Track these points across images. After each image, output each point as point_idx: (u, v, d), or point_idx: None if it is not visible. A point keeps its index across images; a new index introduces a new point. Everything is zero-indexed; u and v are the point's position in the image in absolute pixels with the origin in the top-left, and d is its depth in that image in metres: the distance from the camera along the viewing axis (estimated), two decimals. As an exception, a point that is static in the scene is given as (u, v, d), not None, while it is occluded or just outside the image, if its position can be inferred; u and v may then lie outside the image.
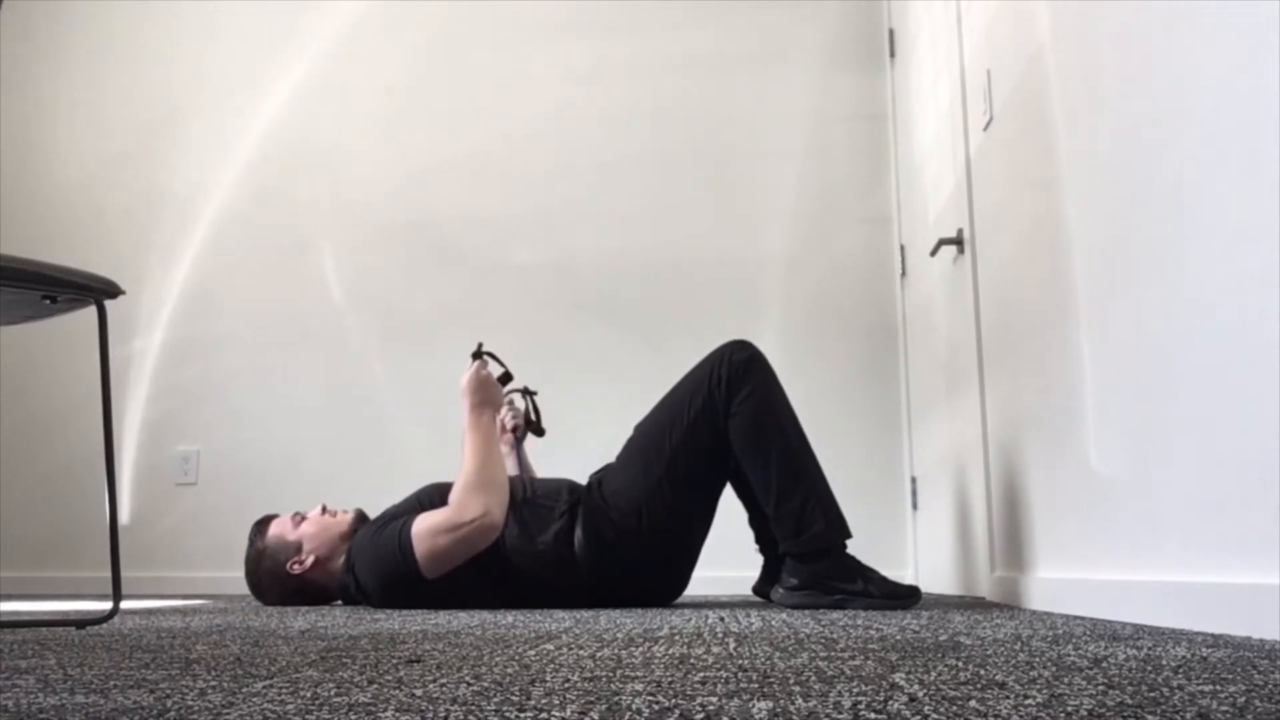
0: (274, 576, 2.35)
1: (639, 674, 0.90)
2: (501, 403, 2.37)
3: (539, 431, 2.54)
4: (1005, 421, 2.30)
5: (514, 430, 2.53)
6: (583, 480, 2.36)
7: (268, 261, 3.97)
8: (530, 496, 2.27)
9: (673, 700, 0.74)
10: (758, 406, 2.16)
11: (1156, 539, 1.51)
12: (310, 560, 2.33)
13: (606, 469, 2.33)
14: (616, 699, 0.75)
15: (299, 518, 2.39)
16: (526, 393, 2.52)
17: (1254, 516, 1.22)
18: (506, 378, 2.39)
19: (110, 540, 1.73)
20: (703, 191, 3.81)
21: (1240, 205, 1.25)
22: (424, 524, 2.15)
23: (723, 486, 2.29)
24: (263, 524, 2.41)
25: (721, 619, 1.73)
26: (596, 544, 2.20)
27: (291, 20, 4.12)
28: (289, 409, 3.85)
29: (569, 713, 0.69)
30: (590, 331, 3.74)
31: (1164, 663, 0.95)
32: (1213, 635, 1.24)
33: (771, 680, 0.85)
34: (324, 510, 2.40)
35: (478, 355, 2.35)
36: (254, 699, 0.77)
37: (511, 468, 2.50)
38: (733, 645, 1.19)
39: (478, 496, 2.15)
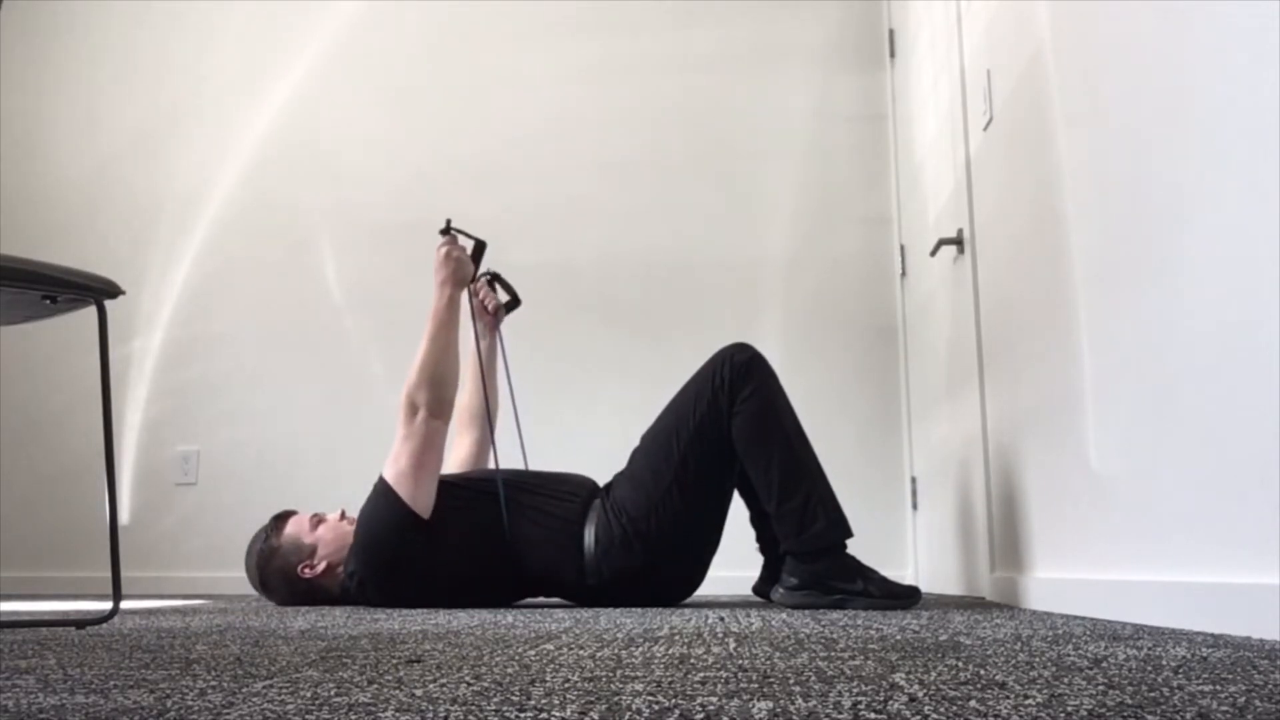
0: (283, 576, 2.34)
1: (639, 674, 0.90)
2: (469, 276, 2.36)
3: (514, 304, 2.53)
4: (1005, 421, 2.30)
5: (495, 312, 2.53)
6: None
7: (268, 261, 3.97)
8: (546, 492, 2.28)
9: (673, 700, 0.74)
10: (759, 406, 2.16)
11: (1156, 539, 1.51)
12: (322, 566, 2.32)
13: (617, 476, 2.33)
14: (616, 699, 0.75)
15: (317, 519, 2.37)
16: (492, 275, 2.51)
17: (1254, 516, 1.22)
18: (481, 246, 2.38)
19: (110, 540, 1.73)
20: (703, 191, 3.81)
21: (1240, 205, 1.25)
22: (387, 463, 2.22)
23: (732, 489, 2.29)
24: (280, 520, 2.39)
25: (721, 619, 1.73)
26: (606, 547, 2.20)
27: (291, 20, 4.12)
28: (289, 409, 3.85)
29: (569, 713, 0.69)
30: (590, 331, 3.74)
31: (1164, 663, 0.95)
32: (1213, 635, 1.24)
33: (771, 680, 0.85)
34: (343, 516, 2.39)
35: (446, 231, 2.33)
36: (254, 699, 0.77)
37: (487, 347, 2.52)
38: (733, 645, 1.19)
39: (417, 394, 2.21)
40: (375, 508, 2.22)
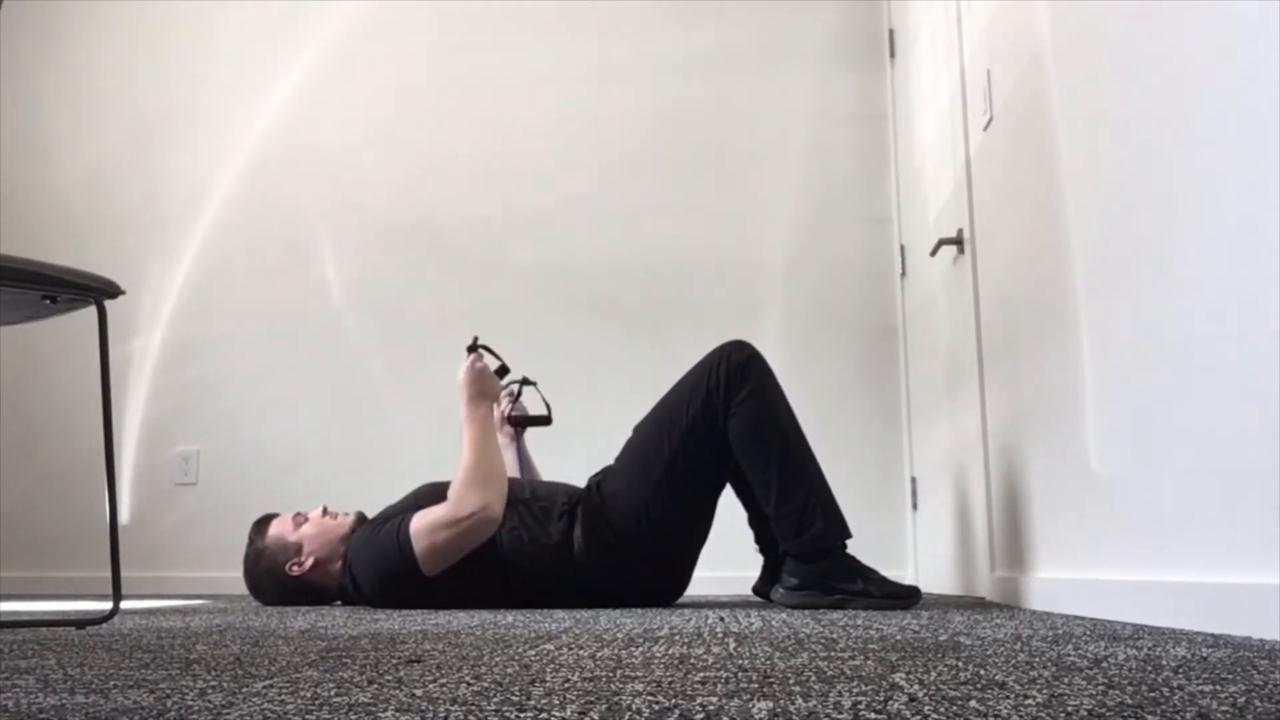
0: (273, 577, 2.35)
1: (639, 674, 0.90)
2: (498, 395, 2.36)
3: (547, 421, 2.52)
4: (1005, 421, 2.30)
5: (512, 422, 2.52)
6: (581, 482, 2.36)
7: (268, 261, 3.97)
8: (530, 497, 2.27)
9: (673, 700, 0.74)
10: (757, 407, 2.16)
11: (1156, 539, 1.51)
12: (310, 562, 2.33)
13: (606, 471, 2.32)
14: (616, 699, 0.75)
15: (300, 518, 2.38)
16: (526, 383, 2.50)
17: (1254, 516, 1.22)
18: (503, 370, 2.38)
19: (110, 540, 1.73)
20: (703, 192, 3.81)
21: (1240, 205, 1.25)
22: (422, 520, 2.15)
23: (722, 487, 2.29)
24: (263, 523, 2.40)
25: (721, 619, 1.73)
26: (596, 545, 2.19)
27: (291, 20, 4.12)
28: (289, 409, 3.85)
29: (569, 713, 0.69)
30: (590, 331, 3.74)
31: (1164, 663, 0.95)
32: (1213, 635, 1.24)
33: (771, 680, 0.85)
34: (325, 511, 2.40)
35: (473, 349, 2.33)
36: (254, 699, 0.77)
37: (510, 461, 2.49)
38: (733, 645, 1.19)
39: (476, 490, 2.14)
40: (389, 551, 2.16)
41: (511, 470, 2.48)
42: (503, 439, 2.50)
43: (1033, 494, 2.10)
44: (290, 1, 4.14)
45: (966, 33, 2.61)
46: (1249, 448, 1.23)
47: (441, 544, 2.13)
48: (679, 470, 2.20)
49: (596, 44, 3.95)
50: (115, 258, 3.94)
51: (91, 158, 4.15)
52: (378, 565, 2.19)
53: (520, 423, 2.54)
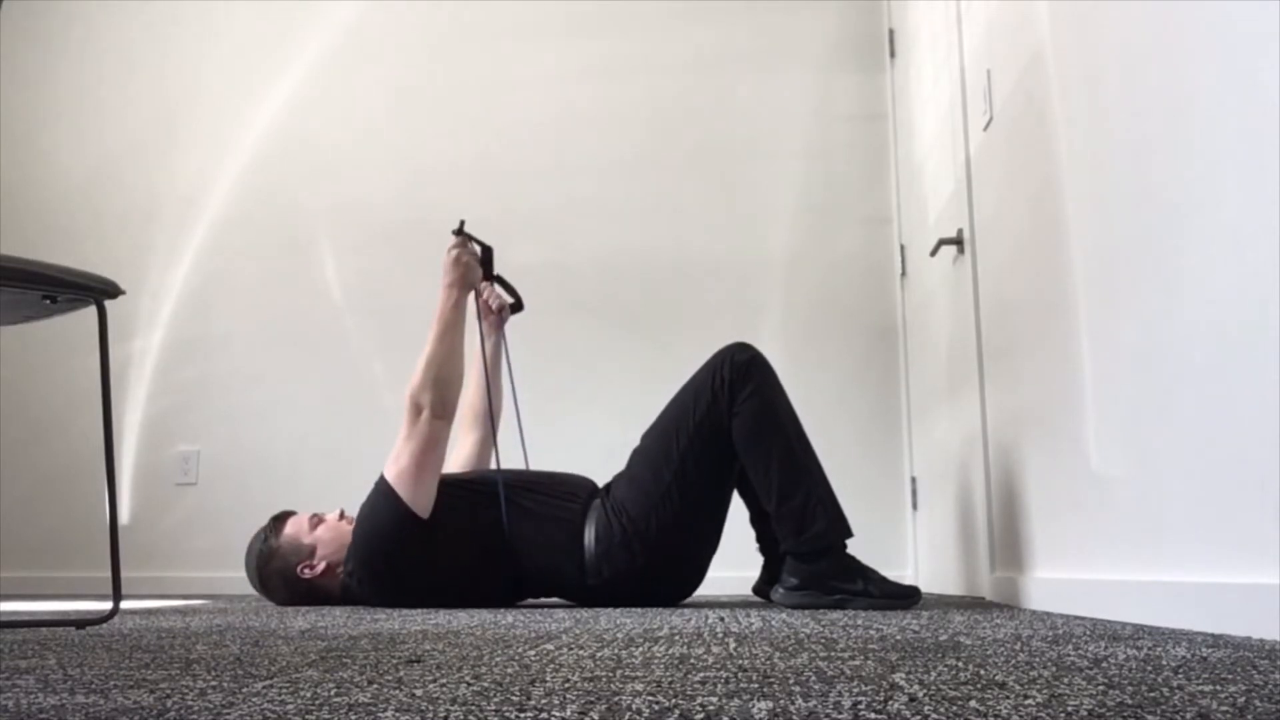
0: (283, 577, 2.34)
1: (639, 674, 0.90)
2: (477, 281, 2.37)
3: (517, 307, 2.54)
4: (1005, 421, 2.30)
5: (499, 312, 2.53)
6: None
7: (268, 261, 3.97)
8: (545, 489, 2.28)
9: (673, 700, 0.74)
10: (759, 406, 2.16)
11: (1156, 539, 1.51)
12: (321, 566, 2.32)
13: (617, 477, 2.33)
14: (616, 699, 0.75)
15: (316, 520, 2.38)
16: (495, 277, 2.50)
17: (1254, 516, 1.22)
18: (489, 251, 2.39)
19: (110, 540, 1.73)
20: (703, 191, 3.81)
21: (1240, 205, 1.25)
22: (388, 462, 2.22)
23: (732, 489, 2.29)
24: (279, 520, 2.39)
25: (721, 619, 1.73)
26: (607, 546, 2.21)
27: (291, 20, 4.12)
28: (289, 409, 3.85)
29: (569, 713, 0.69)
30: (590, 331, 3.74)
31: (1164, 663, 0.95)
32: (1213, 635, 1.24)
33: (771, 680, 0.85)
34: (342, 516, 2.39)
35: (460, 233, 2.33)
36: (254, 699, 0.77)
37: (489, 349, 2.51)
38: (733, 645, 1.19)
39: (420, 395, 2.21)
40: (374, 507, 2.22)
41: (491, 357, 2.51)
42: (484, 326, 2.52)
43: (1032, 494, 2.10)
44: (290, 2, 4.14)
45: (966, 33, 2.61)
46: (1249, 448, 1.23)
47: (410, 465, 2.18)
48: (689, 473, 2.21)
49: (596, 44, 3.95)
50: (115, 258, 3.93)
51: (91, 158, 4.15)
52: (376, 529, 2.21)
53: (504, 285, 2.54)
